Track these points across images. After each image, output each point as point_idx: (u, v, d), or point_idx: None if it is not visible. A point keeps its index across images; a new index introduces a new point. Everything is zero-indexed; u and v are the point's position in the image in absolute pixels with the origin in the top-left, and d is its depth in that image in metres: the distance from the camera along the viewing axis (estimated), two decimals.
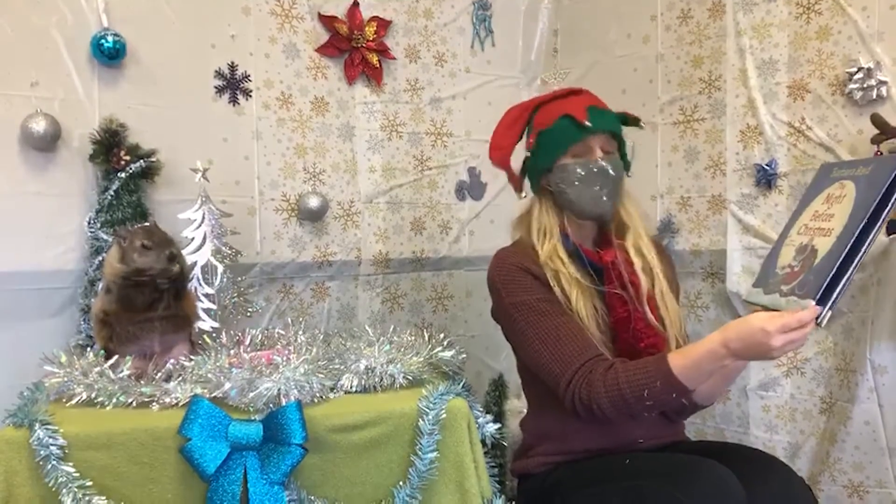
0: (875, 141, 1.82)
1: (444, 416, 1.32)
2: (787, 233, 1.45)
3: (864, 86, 1.86)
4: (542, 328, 1.50)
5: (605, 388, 1.42)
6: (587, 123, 1.54)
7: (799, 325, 1.26)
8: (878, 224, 1.26)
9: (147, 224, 1.61)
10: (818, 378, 2.00)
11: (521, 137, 1.67)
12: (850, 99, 1.88)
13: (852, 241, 1.26)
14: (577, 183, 1.56)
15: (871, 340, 1.86)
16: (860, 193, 1.30)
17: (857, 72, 1.86)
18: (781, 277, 1.38)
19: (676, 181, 2.25)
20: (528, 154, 1.62)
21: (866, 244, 1.26)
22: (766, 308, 1.37)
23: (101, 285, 1.58)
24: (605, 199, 1.56)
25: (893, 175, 1.25)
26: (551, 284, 1.53)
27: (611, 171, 1.56)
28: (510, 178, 1.69)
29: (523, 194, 1.69)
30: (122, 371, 1.36)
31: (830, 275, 1.26)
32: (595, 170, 1.55)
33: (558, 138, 1.57)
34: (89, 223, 1.82)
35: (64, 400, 1.32)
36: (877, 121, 1.81)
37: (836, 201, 1.35)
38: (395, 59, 2.33)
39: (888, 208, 1.26)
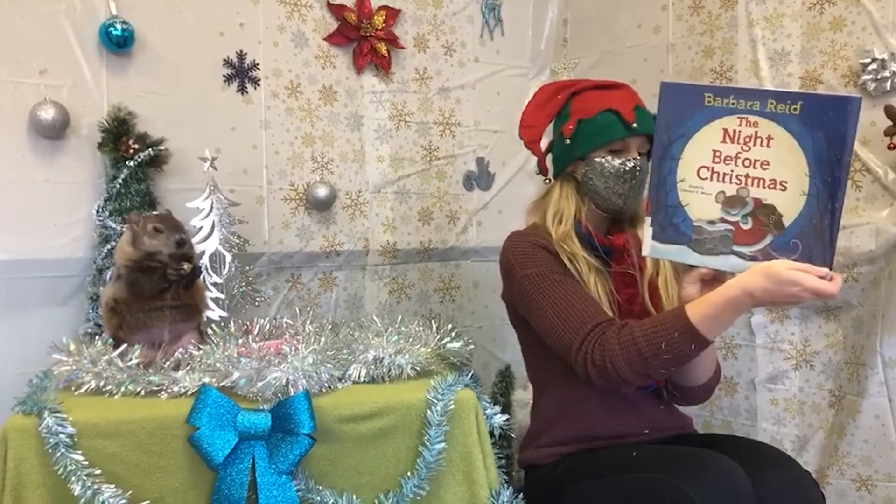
0: (888, 133, 1.81)
1: (452, 406, 1.32)
2: (674, 171, 1.35)
3: (878, 77, 1.84)
4: (554, 296, 1.49)
5: (620, 344, 1.38)
6: (634, 125, 1.54)
7: (828, 293, 1.24)
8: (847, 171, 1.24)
9: (162, 211, 1.62)
10: (827, 371, 1.99)
11: (553, 119, 1.65)
12: (864, 90, 1.86)
13: (840, 199, 1.23)
14: (608, 178, 1.56)
15: (881, 334, 1.85)
16: (807, 139, 1.24)
17: (870, 63, 1.85)
18: (724, 236, 1.32)
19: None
20: (566, 140, 1.59)
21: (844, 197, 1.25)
22: (716, 271, 1.34)
23: (111, 272, 1.58)
24: (630, 197, 1.57)
25: (853, 119, 1.21)
26: (566, 263, 1.53)
27: (642, 173, 1.57)
28: (539, 159, 1.67)
29: (549, 178, 1.68)
30: (130, 360, 1.36)
31: (835, 240, 1.24)
32: (629, 170, 1.55)
33: (600, 131, 1.56)
34: (97, 211, 1.82)
35: (72, 388, 1.32)
36: (890, 112, 1.80)
37: (757, 143, 1.29)
38: (403, 48, 2.32)
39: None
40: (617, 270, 1.57)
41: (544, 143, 1.68)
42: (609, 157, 1.56)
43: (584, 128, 1.58)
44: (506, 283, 1.63)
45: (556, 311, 1.48)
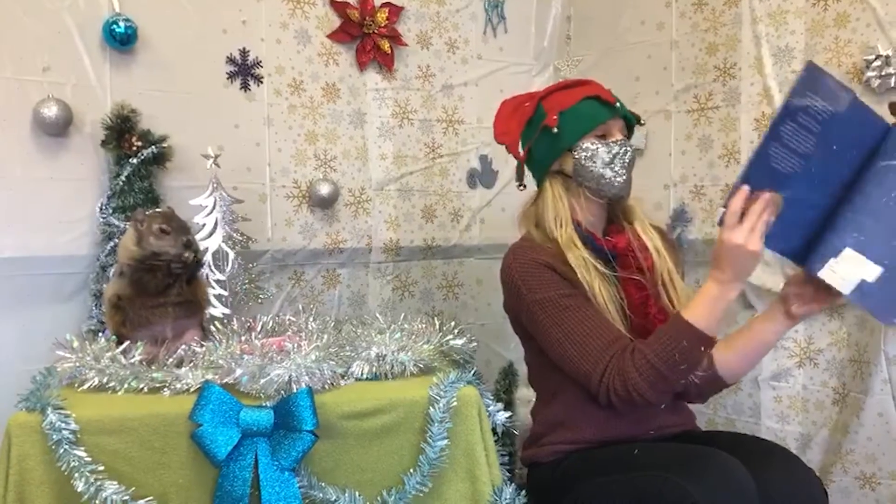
0: None
1: (454, 403, 1.32)
2: None
3: (882, 74, 1.83)
4: (566, 325, 1.48)
5: (638, 370, 1.40)
6: (617, 105, 1.56)
7: (734, 209, 1.33)
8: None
9: (165, 209, 1.62)
10: (831, 369, 1.99)
11: (524, 126, 1.63)
12: (868, 87, 1.86)
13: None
14: (600, 162, 1.55)
15: (885, 331, 1.84)
16: None
17: (875, 59, 1.84)
18: None
19: (690, 170, 2.23)
20: (553, 130, 1.55)
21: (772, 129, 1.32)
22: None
23: (114, 269, 1.58)
24: (625, 180, 1.57)
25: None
26: (572, 275, 1.51)
27: (631, 153, 1.58)
28: (521, 163, 1.65)
29: (523, 185, 1.67)
30: (133, 356, 1.37)
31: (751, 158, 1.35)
32: (619, 151, 1.55)
33: (586, 116, 1.56)
34: (101, 209, 1.82)
35: (76, 385, 1.33)
36: (894, 109, 1.79)
37: None
38: (406, 45, 2.32)
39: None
40: (625, 276, 1.55)
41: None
42: (596, 141, 1.55)
43: (567, 117, 1.56)
44: (510, 299, 1.61)
45: (571, 341, 1.47)
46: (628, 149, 1.57)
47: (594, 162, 1.55)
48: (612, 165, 1.55)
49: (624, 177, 1.56)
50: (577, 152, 1.56)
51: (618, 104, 1.57)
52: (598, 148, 1.55)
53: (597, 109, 1.56)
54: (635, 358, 1.42)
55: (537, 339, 1.56)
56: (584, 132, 1.56)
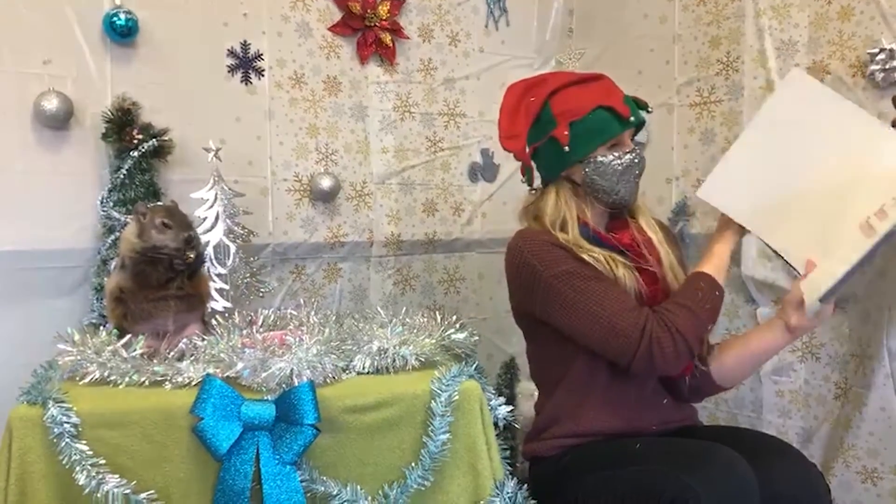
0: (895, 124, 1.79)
1: (456, 397, 1.32)
2: None
3: (886, 67, 1.82)
4: (595, 291, 1.46)
5: (674, 313, 1.43)
6: (632, 119, 1.52)
7: None
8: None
9: (169, 203, 1.61)
10: (833, 363, 1.98)
11: (533, 122, 1.58)
12: (872, 81, 1.85)
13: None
14: (613, 175, 1.53)
15: (888, 326, 1.84)
16: None
17: (878, 53, 1.82)
18: None
19: (692, 163, 2.22)
20: (565, 147, 1.52)
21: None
22: None
23: (115, 262, 1.58)
24: (634, 188, 1.57)
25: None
26: (588, 262, 1.50)
27: (642, 160, 1.57)
28: (526, 165, 1.62)
29: (535, 189, 1.65)
30: (134, 350, 1.37)
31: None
32: (631, 163, 1.54)
33: (598, 131, 1.52)
34: (102, 202, 1.82)
35: (77, 378, 1.33)
36: None
37: None
38: (408, 38, 2.31)
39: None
40: (640, 267, 1.54)
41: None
42: (609, 154, 1.53)
43: (578, 130, 1.52)
44: (520, 282, 1.56)
45: (603, 305, 1.45)
46: (639, 156, 1.55)
47: (605, 175, 1.53)
48: (623, 177, 1.54)
49: (633, 186, 1.56)
50: (587, 165, 1.54)
51: (632, 117, 1.52)
52: (609, 161, 1.53)
53: (610, 123, 1.52)
54: (668, 307, 1.46)
55: (555, 317, 1.51)
56: (597, 146, 1.53)
